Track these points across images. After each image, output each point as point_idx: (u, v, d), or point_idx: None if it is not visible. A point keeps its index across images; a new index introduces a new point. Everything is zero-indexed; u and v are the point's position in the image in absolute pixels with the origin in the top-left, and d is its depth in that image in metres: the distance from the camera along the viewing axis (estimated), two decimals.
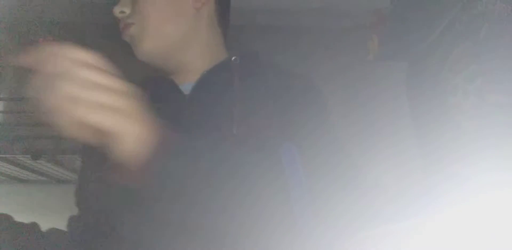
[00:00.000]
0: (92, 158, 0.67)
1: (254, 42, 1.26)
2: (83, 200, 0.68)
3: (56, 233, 0.68)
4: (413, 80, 1.14)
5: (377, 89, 1.45)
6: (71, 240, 0.64)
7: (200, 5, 0.70)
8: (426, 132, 1.04)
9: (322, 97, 0.66)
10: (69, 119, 0.39)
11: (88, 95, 0.39)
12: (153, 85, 0.69)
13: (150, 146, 0.41)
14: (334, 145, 0.62)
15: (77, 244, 0.63)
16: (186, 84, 0.67)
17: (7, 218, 0.65)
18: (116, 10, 0.67)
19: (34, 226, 0.68)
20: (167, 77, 0.70)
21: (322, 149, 0.59)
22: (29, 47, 0.38)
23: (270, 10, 1.59)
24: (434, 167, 0.98)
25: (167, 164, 0.42)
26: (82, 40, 2.49)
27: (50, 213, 2.55)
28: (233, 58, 0.67)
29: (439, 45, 0.99)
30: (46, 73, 0.39)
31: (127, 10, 0.67)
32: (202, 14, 0.70)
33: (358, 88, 1.56)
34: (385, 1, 1.38)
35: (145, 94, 0.66)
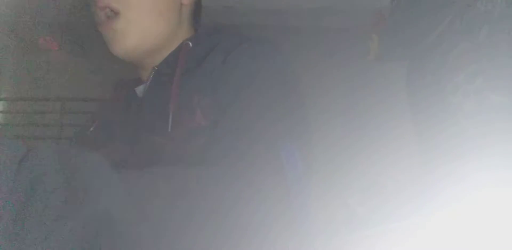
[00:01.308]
0: None
1: None
2: None
3: None
4: (413, 80, 1.14)
5: (377, 89, 1.45)
6: None
7: (188, 1, 0.64)
8: (427, 131, 1.04)
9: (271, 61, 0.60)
10: None
11: None
12: (119, 87, 0.66)
13: None
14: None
15: None
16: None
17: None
18: None
19: None
20: (126, 79, 0.66)
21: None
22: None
23: (270, 10, 1.58)
24: (433, 165, 0.98)
25: None
26: (82, 40, 2.49)
27: None
28: (184, 43, 0.61)
29: (439, 45, 0.99)
30: None
31: None
32: (185, 10, 0.63)
33: (358, 88, 1.56)
34: (385, 1, 1.38)
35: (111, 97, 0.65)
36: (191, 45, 0.61)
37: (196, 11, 0.67)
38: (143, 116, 0.58)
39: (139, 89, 0.62)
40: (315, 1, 1.57)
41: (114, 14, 0.57)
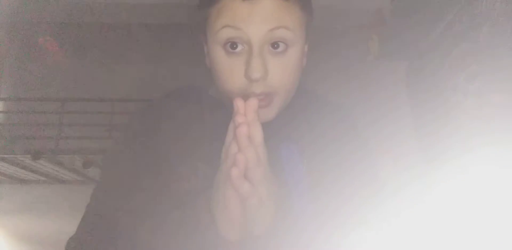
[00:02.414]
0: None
1: None
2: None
3: None
4: (413, 80, 1.14)
5: (378, 88, 1.45)
6: None
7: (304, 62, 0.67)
8: (427, 131, 1.04)
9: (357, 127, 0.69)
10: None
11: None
12: (188, 98, 0.66)
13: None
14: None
15: None
16: None
17: None
18: (257, 75, 0.54)
19: None
20: (191, 89, 0.67)
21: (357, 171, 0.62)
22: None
23: None
24: (434, 164, 0.98)
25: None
26: (82, 40, 2.49)
27: (50, 213, 2.55)
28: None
29: (439, 45, 1.00)
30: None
31: (265, 75, 0.56)
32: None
33: (359, 88, 1.56)
34: (385, 1, 1.38)
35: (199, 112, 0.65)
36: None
37: None
38: None
39: None
40: (314, 1, 1.57)
41: (268, 98, 0.58)
